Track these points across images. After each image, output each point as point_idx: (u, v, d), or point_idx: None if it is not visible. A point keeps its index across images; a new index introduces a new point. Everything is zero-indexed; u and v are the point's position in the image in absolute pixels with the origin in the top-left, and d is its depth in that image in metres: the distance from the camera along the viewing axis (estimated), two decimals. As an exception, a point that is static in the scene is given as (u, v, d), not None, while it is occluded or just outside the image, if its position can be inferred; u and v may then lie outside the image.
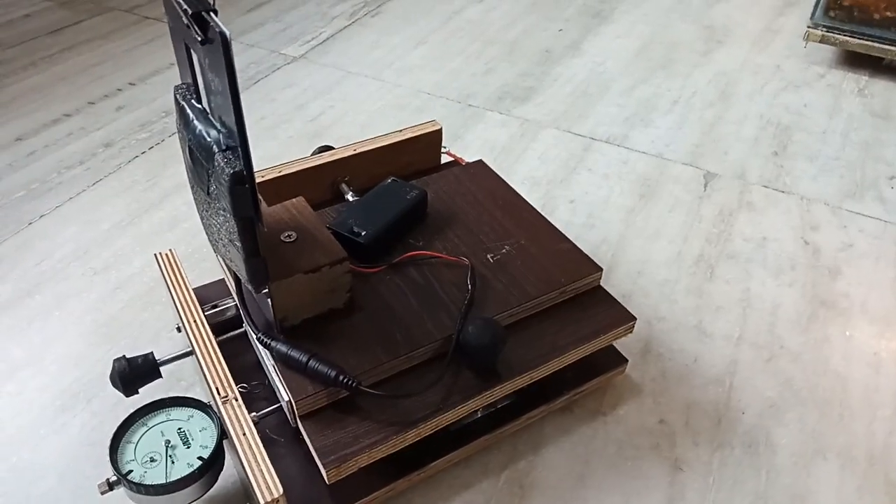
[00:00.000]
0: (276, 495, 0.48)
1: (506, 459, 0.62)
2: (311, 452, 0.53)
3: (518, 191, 0.73)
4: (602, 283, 0.66)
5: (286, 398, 0.54)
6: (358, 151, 0.74)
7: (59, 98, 1.14)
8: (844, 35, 1.21)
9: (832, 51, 1.30)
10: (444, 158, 0.80)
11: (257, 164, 0.77)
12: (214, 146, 0.49)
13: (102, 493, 0.52)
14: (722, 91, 1.18)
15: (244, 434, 0.52)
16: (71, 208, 0.91)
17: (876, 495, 0.60)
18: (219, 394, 0.55)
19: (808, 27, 1.23)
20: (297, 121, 1.08)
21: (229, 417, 0.53)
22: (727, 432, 0.65)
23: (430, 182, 0.74)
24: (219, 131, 0.49)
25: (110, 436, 0.63)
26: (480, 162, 0.78)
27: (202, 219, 0.57)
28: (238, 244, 0.50)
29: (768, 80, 1.22)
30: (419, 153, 0.78)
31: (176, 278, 0.65)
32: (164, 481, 0.51)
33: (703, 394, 0.69)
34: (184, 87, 0.54)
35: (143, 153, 1.01)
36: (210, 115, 0.51)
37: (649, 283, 0.81)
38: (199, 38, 0.45)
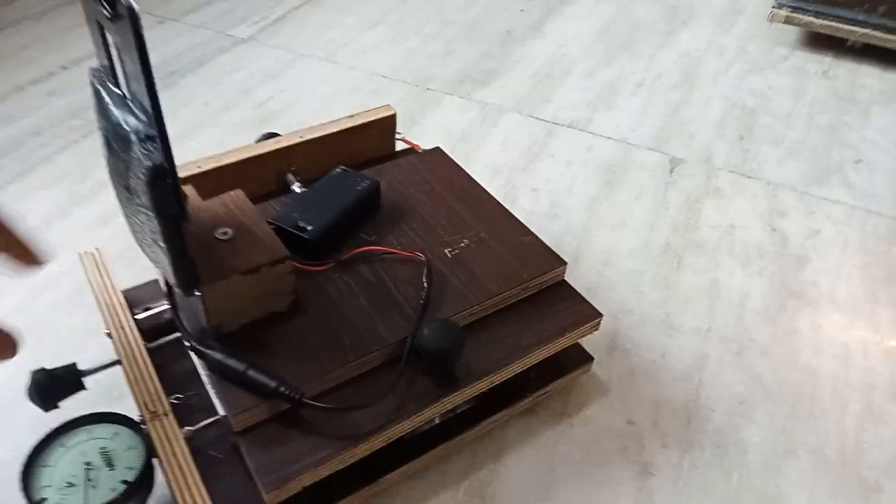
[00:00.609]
0: (208, 523, 0.44)
1: (465, 468, 0.58)
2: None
3: (478, 179, 0.69)
4: (566, 277, 0.62)
5: (222, 412, 0.49)
6: (305, 139, 0.68)
7: (-15, 82, 1.06)
8: (809, 15, 1.19)
9: (796, 32, 1.28)
10: (400, 146, 0.75)
11: (199, 152, 0.71)
12: (133, 135, 0.43)
13: (16, 525, 0.47)
14: (686, 73, 1.15)
15: (174, 454, 0.47)
16: (-5, 202, 0.84)
17: (850, 495, 0.58)
18: (147, 409, 0.50)
19: (773, 7, 1.21)
20: (245, 106, 1.02)
21: (158, 435, 0.48)
22: (697, 432, 0.62)
23: (383, 171, 0.69)
24: (138, 119, 0.44)
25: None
26: (438, 149, 0.73)
27: (125, 217, 0.51)
28: (162, 244, 0.45)
29: (733, 61, 1.19)
30: (372, 140, 0.73)
31: (101, 280, 0.59)
32: (83, 510, 0.46)
33: (671, 391, 0.66)
34: (100, 70, 0.48)
35: (75, 142, 0.94)
36: (129, 102, 0.45)
37: (615, 275, 0.77)
38: (108, 14, 0.39)
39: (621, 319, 0.72)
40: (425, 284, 0.57)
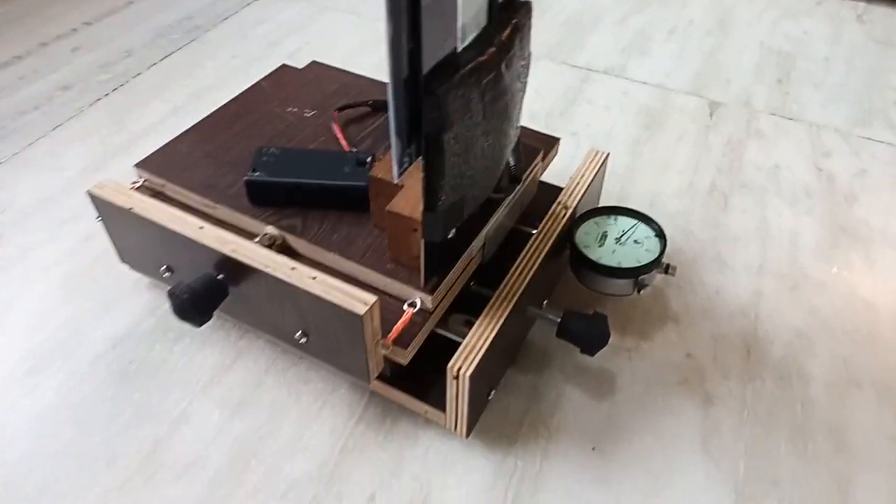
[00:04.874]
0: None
1: (526, 402, 0.58)
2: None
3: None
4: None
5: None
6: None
7: (7, 41, 1.04)
8: (843, -41, 1.16)
9: (828, -22, 1.25)
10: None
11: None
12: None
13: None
14: (719, 19, 1.13)
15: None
16: (29, 155, 0.83)
17: (916, 422, 0.58)
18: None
19: (806, -48, 1.18)
20: (273, 58, 1.00)
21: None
22: (757, 364, 0.62)
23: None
24: None
25: (89, 397, 0.57)
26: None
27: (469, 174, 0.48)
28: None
29: (765, 8, 1.17)
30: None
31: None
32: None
33: (728, 326, 0.65)
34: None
35: (105, 95, 0.93)
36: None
37: (662, 216, 0.76)
38: None
39: (672, 258, 0.71)
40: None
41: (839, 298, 0.68)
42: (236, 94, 0.71)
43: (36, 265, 0.69)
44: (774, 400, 0.59)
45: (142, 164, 0.61)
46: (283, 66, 0.75)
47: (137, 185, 0.61)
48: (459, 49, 0.42)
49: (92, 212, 0.59)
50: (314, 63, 0.77)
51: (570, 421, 0.56)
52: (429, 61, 0.39)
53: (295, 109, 0.68)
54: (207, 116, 0.67)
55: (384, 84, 0.77)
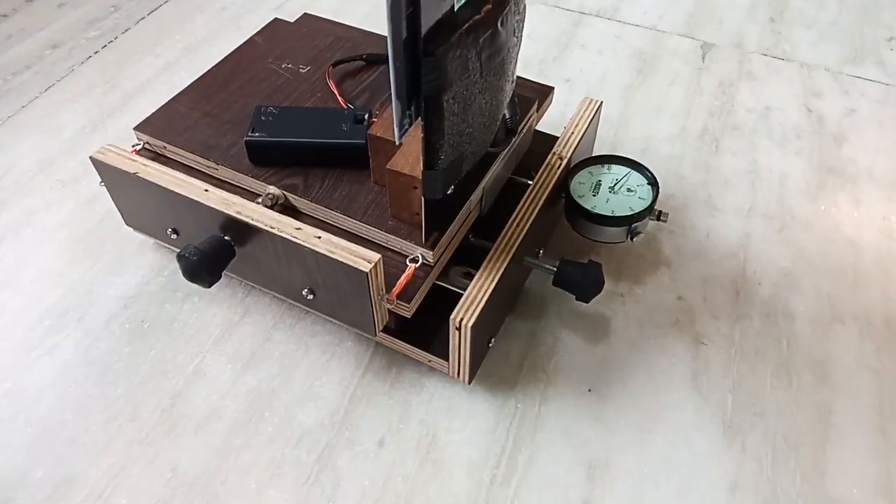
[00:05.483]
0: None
1: (525, 347, 0.61)
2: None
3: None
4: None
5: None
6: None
7: (-9, -3, 1.03)
8: None
9: None
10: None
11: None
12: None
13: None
14: (712, -44, 1.11)
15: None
16: (26, 117, 0.83)
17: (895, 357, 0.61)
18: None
19: None
20: (263, 9, 0.99)
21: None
22: (745, 304, 0.64)
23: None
24: None
25: (106, 355, 0.60)
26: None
27: (467, 129, 0.48)
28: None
29: (759, -58, 1.15)
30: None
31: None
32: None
33: (718, 268, 0.67)
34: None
35: (96, 53, 0.92)
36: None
37: (655, 160, 0.77)
38: None
39: (664, 203, 0.73)
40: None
41: (825, 237, 0.70)
42: (229, 47, 0.71)
43: (42, 228, 0.71)
44: (761, 337, 0.62)
45: (141, 127, 0.62)
46: (276, 19, 0.75)
47: (138, 147, 0.62)
48: (456, 8, 0.43)
49: (93, 173, 0.60)
50: (306, 15, 0.77)
51: (567, 364, 0.59)
52: (427, 23, 0.39)
53: (290, 65, 0.68)
54: (203, 75, 0.67)
55: (377, 35, 0.78)
